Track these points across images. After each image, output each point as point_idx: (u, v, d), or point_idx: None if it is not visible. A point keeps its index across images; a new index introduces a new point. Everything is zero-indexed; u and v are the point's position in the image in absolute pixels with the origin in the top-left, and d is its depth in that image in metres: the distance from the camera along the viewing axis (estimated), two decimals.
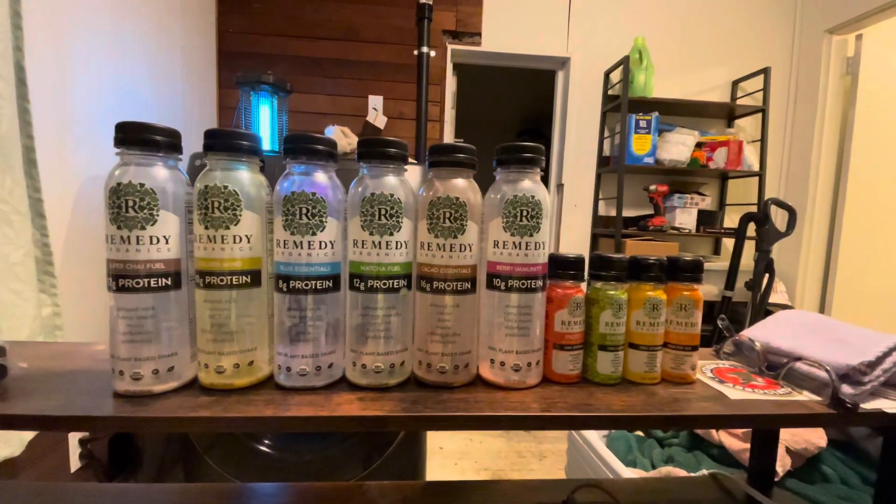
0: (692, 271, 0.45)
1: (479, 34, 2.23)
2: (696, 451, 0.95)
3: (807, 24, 2.28)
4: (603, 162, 2.28)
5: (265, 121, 1.58)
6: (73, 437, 1.34)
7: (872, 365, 0.42)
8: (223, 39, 2.16)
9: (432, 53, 2.13)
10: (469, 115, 3.52)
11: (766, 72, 2.14)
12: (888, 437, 0.47)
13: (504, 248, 0.41)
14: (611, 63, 2.17)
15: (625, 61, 2.02)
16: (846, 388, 0.42)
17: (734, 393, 0.43)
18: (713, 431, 0.93)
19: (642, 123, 2.00)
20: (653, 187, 2.10)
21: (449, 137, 2.34)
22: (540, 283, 0.42)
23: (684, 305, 0.44)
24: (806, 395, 0.44)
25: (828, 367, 0.42)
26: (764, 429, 0.56)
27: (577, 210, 2.31)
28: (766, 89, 2.14)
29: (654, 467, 0.92)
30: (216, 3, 2.14)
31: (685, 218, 2.10)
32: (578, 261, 0.43)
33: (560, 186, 2.33)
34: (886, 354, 0.43)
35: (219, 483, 0.58)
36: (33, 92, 1.02)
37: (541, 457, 1.96)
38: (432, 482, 0.56)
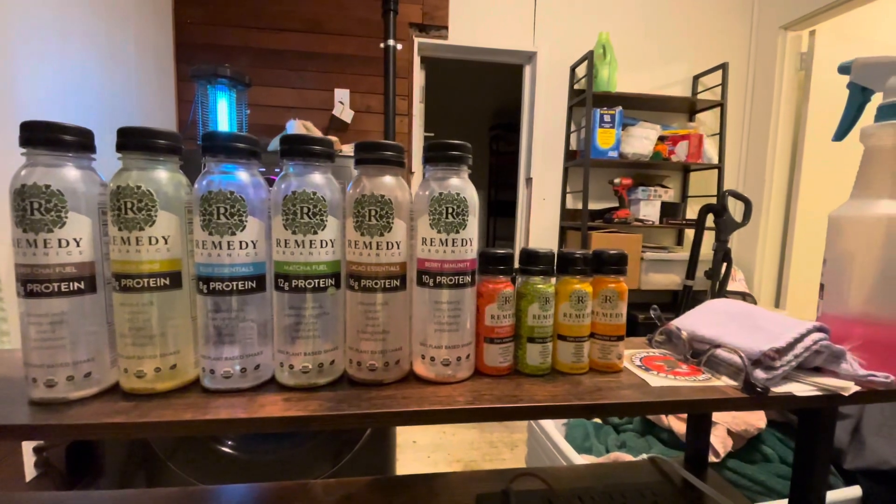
0: (617, 264, 0.46)
1: (446, 27, 2.22)
2: (648, 436, 0.98)
3: (763, 20, 2.36)
4: (570, 156, 2.31)
5: (224, 115, 1.54)
6: (28, 446, 1.30)
7: (782, 351, 0.45)
8: (181, 31, 2.08)
9: (399, 46, 2.11)
10: (440, 109, 3.51)
11: (724, 67, 2.21)
12: (802, 417, 0.50)
13: (432, 244, 0.42)
14: (576, 58, 2.20)
15: (589, 56, 2.05)
16: (759, 373, 0.44)
17: (656, 380, 0.45)
18: (663, 416, 0.96)
19: (606, 118, 2.04)
20: (617, 180, 2.14)
21: (418, 132, 2.33)
22: (469, 278, 0.43)
23: (609, 297, 0.45)
24: (723, 381, 0.46)
25: (741, 353, 0.44)
26: (692, 414, 0.58)
27: (545, 204, 2.34)
28: (724, 84, 2.20)
29: (608, 452, 0.95)
30: None
31: (649, 210, 2.16)
32: (507, 256, 0.44)
33: (529, 180, 2.36)
34: (797, 341, 0.46)
35: (164, 488, 0.58)
36: None
37: (512, 446, 1.99)
38: (378, 477, 0.57)
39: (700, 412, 0.58)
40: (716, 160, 2.22)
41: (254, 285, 0.40)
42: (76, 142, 0.37)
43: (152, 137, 0.38)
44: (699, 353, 0.50)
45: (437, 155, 0.43)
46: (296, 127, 1.52)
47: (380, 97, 2.20)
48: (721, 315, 0.53)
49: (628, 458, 0.89)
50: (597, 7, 2.26)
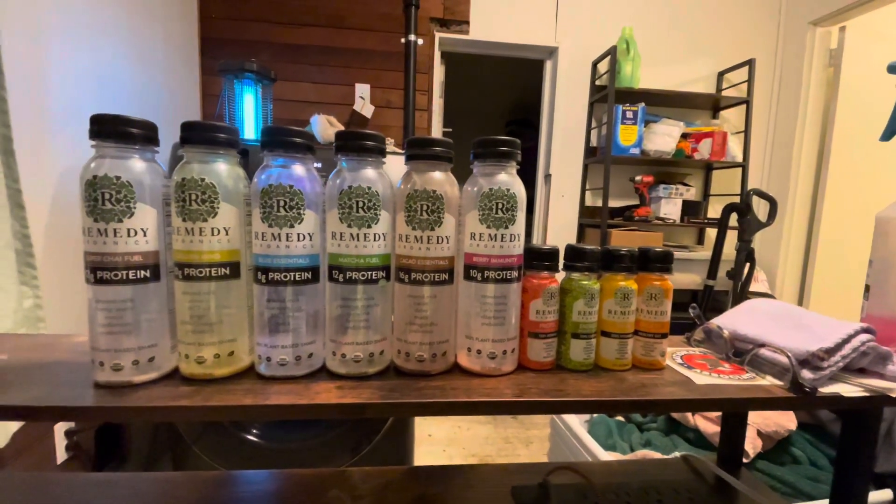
0: (662, 262, 0.46)
1: (467, 22, 2.21)
2: (673, 435, 0.98)
3: (791, 15, 2.30)
4: (590, 152, 2.29)
5: (249, 109, 1.56)
6: (59, 429, 1.34)
7: (831, 351, 0.44)
8: (206, 25, 2.11)
9: (420, 41, 2.11)
10: (457, 104, 3.50)
11: (750, 63, 2.17)
12: (846, 419, 0.50)
13: (480, 239, 0.42)
14: (598, 53, 2.17)
15: (612, 51, 2.03)
16: (806, 373, 0.44)
17: (700, 378, 0.45)
18: (689, 416, 0.96)
19: (629, 114, 2.02)
20: (638, 178, 2.12)
21: (437, 127, 2.33)
22: (515, 273, 0.43)
23: (654, 294, 0.46)
24: (769, 380, 0.46)
25: (789, 353, 0.44)
26: (730, 412, 0.58)
27: (564, 200, 2.33)
28: (750, 80, 2.16)
29: (632, 451, 0.95)
30: None
31: (670, 208, 2.13)
32: (553, 252, 0.45)
33: (548, 177, 2.35)
34: (845, 341, 0.46)
35: (205, 471, 0.59)
36: (9, 79, 0.99)
37: (527, 443, 2.00)
38: (414, 467, 0.58)
39: (743, 411, 0.58)
40: (740, 158, 2.18)
41: (309, 276, 0.41)
42: (142, 135, 0.38)
43: (214, 132, 0.39)
44: (742, 352, 0.49)
45: (486, 151, 0.43)
46: (319, 122, 1.53)
47: (400, 92, 2.21)
48: (762, 315, 0.53)
49: (657, 455, 0.89)
50: (620, 2, 2.23)
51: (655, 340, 0.46)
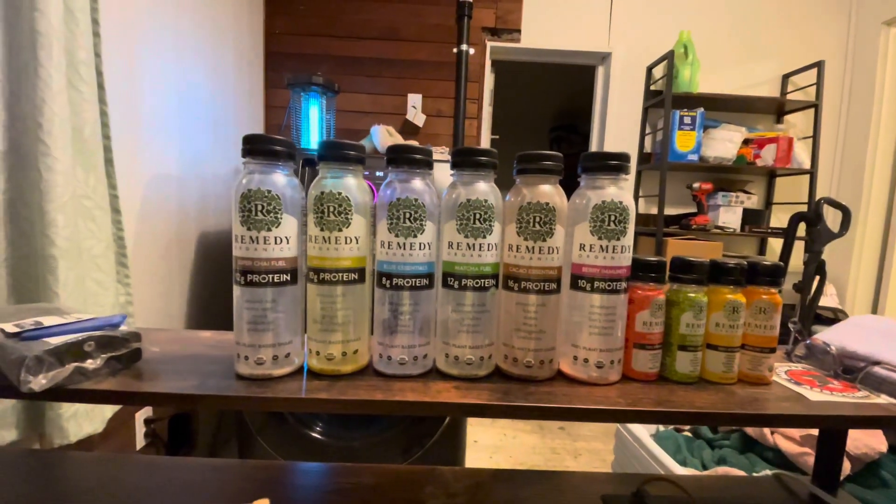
0: (772, 275, 0.46)
1: (519, 31, 2.23)
2: (749, 454, 0.95)
3: (863, 15, 2.17)
4: (644, 159, 2.25)
5: (314, 120, 1.64)
6: (139, 417, 1.45)
7: None
8: (270, 41, 2.24)
9: (471, 51, 2.14)
10: (502, 111, 3.52)
11: (819, 65, 2.06)
12: None
13: (591, 251, 0.44)
14: (654, 58, 2.13)
15: (669, 56, 1.99)
16: None
17: (813, 394, 0.44)
18: (768, 434, 0.92)
19: (687, 120, 1.97)
20: (696, 185, 2.06)
21: (486, 135, 2.35)
22: (624, 284, 0.44)
23: (764, 308, 0.45)
24: (884, 399, 0.44)
25: None
26: (838, 430, 0.57)
27: None
28: (819, 83, 2.05)
29: (704, 467, 0.93)
30: (264, 5, 2.21)
31: (729, 217, 2.05)
32: (660, 264, 0.45)
33: None
34: None
35: (303, 462, 0.63)
36: (108, 95, 1.09)
37: (576, 454, 1.97)
38: (504, 469, 0.60)
39: (867, 429, 0.56)
40: (806, 165, 2.07)
41: (427, 283, 0.44)
42: (284, 152, 0.43)
43: (345, 149, 0.43)
44: (852, 369, 0.48)
45: (595, 164, 0.45)
46: (380, 132, 1.59)
47: (450, 101, 2.25)
48: (871, 331, 0.51)
49: (737, 472, 0.87)
50: (676, 5, 2.18)
51: (763, 355, 0.46)
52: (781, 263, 0.46)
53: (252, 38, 2.12)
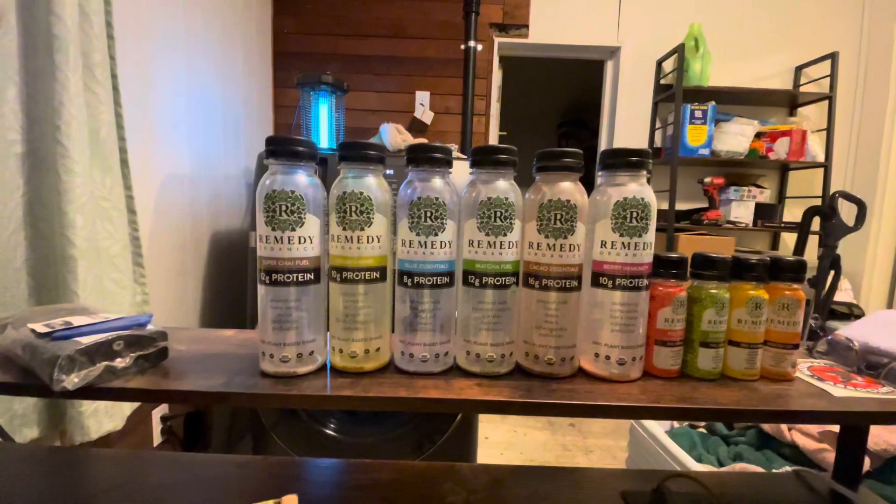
0: (795, 271, 0.45)
1: (527, 26, 2.22)
2: (766, 450, 0.94)
3: (877, 4, 2.13)
4: (654, 154, 2.22)
5: (324, 119, 1.64)
6: (156, 415, 1.47)
7: None
8: (278, 40, 2.24)
9: (479, 47, 2.14)
10: (511, 107, 3.50)
11: (833, 56, 2.02)
12: None
13: (612, 248, 0.44)
14: (664, 51, 2.11)
15: (679, 49, 1.96)
16: None
17: (837, 390, 0.44)
18: (785, 431, 0.92)
19: (698, 113, 1.94)
20: (708, 180, 2.04)
21: (494, 132, 2.35)
22: (646, 281, 0.44)
23: (787, 305, 0.45)
24: None
25: None
26: (862, 426, 0.56)
27: None
28: (833, 75, 2.02)
29: (720, 464, 0.92)
30: (272, 5, 2.22)
31: (741, 211, 2.03)
32: (682, 260, 0.45)
33: None
34: None
35: (322, 458, 0.64)
36: (122, 97, 1.11)
37: (587, 451, 1.97)
38: (522, 466, 0.60)
39: (889, 425, 0.56)
40: (820, 158, 2.04)
41: (448, 281, 0.44)
42: (307, 153, 0.43)
43: (366, 149, 0.43)
44: (875, 365, 0.48)
45: (615, 161, 0.44)
46: (389, 130, 1.59)
47: (458, 98, 2.25)
48: (894, 327, 0.51)
49: (755, 468, 0.86)
50: None
51: (787, 351, 0.46)
52: (804, 258, 0.46)
53: (260, 38, 2.13)
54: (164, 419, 1.53)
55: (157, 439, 1.49)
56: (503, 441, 2.06)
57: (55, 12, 0.87)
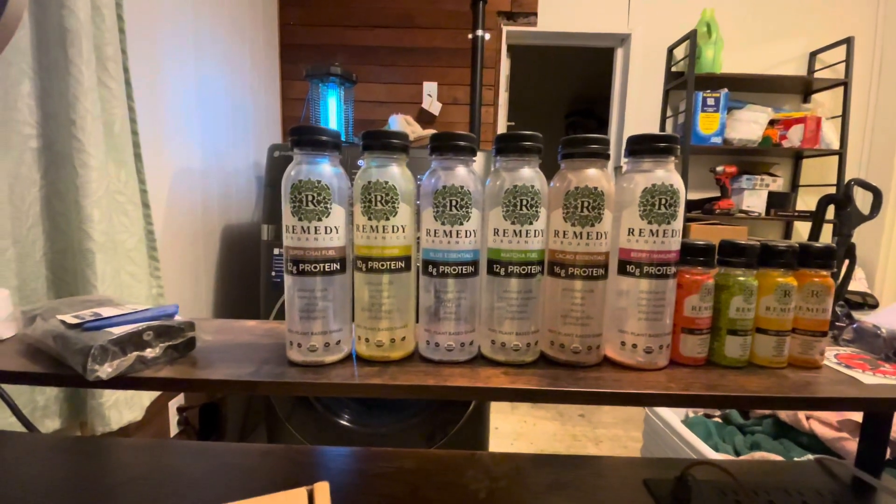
0: (824, 258, 0.45)
1: (535, 14, 2.19)
2: (783, 440, 0.94)
3: None
4: None
5: (333, 111, 1.64)
6: (172, 406, 1.49)
7: None
8: (285, 32, 2.23)
9: (487, 37, 2.11)
10: (519, 96, 3.47)
11: (848, 41, 1.98)
12: None
13: (640, 235, 0.43)
14: (675, 38, 2.07)
15: (691, 35, 1.93)
16: None
17: (867, 378, 0.44)
18: (803, 419, 0.91)
19: (710, 101, 1.92)
20: (720, 168, 2.01)
21: (502, 122, 2.33)
22: (673, 269, 0.44)
23: (816, 292, 0.45)
24: None
25: None
26: (890, 413, 0.56)
27: None
28: (848, 61, 1.98)
29: (736, 453, 0.92)
30: None
31: (753, 200, 2.01)
32: (709, 248, 0.45)
33: (618, 169, 2.28)
34: None
35: (344, 447, 0.65)
36: (134, 91, 1.10)
37: (597, 441, 1.98)
38: (544, 454, 0.60)
39: None
40: (835, 145, 2.01)
41: (473, 270, 0.44)
42: (331, 142, 0.43)
43: (390, 138, 0.43)
44: None
45: (642, 147, 0.44)
46: (398, 122, 1.59)
47: (466, 88, 2.23)
48: None
49: (775, 457, 0.86)
50: None
51: (815, 339, 0.45)
52: (834, 245, 0.45)
53: (267, 31, 2.12)
54: (180, 410, 1.55)
55: (173, 430, 1.52)
56: (513, 431, 2.07)
57: (67, 6, 0.87)
